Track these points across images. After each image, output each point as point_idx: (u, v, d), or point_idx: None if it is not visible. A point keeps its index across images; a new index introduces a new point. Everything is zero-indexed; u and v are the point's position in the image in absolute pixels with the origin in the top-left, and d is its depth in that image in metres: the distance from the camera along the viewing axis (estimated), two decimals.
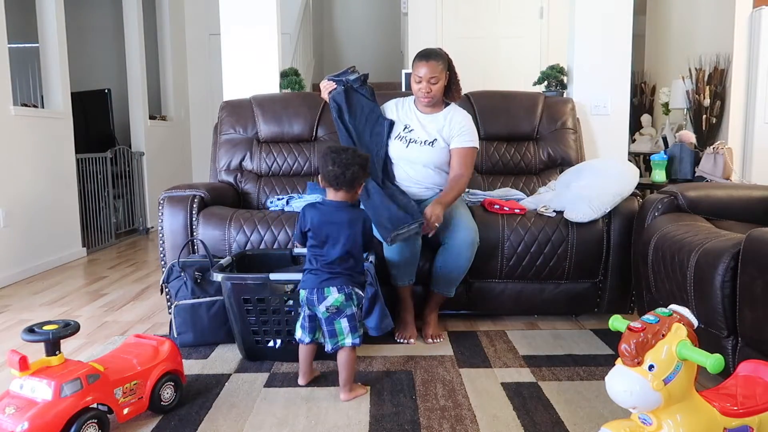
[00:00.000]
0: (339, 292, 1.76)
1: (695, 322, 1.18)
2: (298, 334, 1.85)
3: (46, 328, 1.52)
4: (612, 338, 2.26)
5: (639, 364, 1.12)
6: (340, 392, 1.81)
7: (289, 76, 3.48)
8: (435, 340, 2.29)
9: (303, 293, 1.80)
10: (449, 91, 2.46)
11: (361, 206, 2.18)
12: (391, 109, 2.55)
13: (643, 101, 5.25)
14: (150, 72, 5.59)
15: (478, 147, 2.49)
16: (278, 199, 2.80)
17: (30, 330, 1.52)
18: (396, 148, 2.46)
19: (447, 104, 2.49)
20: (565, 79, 3.50)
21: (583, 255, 2.44)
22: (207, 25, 6.13)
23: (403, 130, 2.47)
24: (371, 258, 2.08)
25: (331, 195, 1.84)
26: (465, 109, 2.57)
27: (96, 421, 1.49)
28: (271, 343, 2.09)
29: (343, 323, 1.78)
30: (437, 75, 2.35)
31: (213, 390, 1.87)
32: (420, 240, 2.25)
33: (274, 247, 2.45)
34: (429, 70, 2.34)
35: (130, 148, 5.27)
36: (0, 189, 3.44)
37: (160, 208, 2.53)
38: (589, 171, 2.59)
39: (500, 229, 2.43)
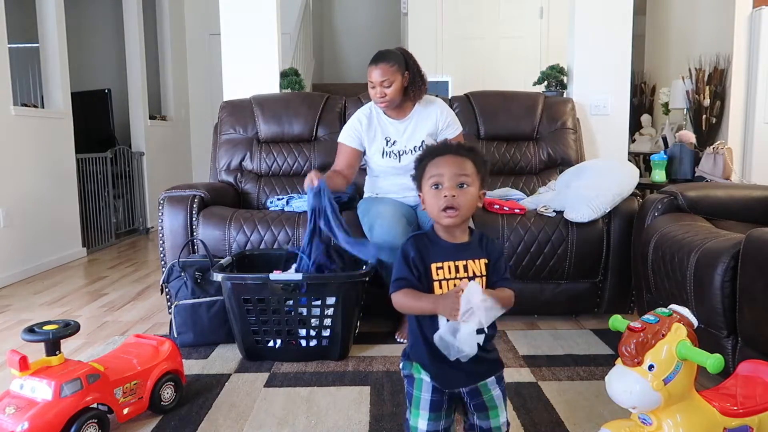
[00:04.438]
0: None
1: (695, 322, 1.17)
2: None
3: (46, 328, 1.52)
4: (612, 338, 2.26)
5: (639, 364, 1.12)
6: None
7: (289, 76, 3.48)
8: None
9: None
10: (408, 91, 2.38)
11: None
12: (359, 125, 2.46)
13: (643, 101, 5.25)
14: (150, 72, 5.58)
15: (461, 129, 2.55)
16: (278, 199, 2.80)
17: (30, 330, 1.52)
18: (388, 164, 2.45)
19: (413, 104, 2.45)
20: (565, 79, 3.50)
21: (583, 255, 2.44)
22: (207, 25, 6.13)
23: (387, 144, 2.44)
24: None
25: None
26: (465, 109, 2.57)
27: (96, 421, 1.49)
28: (271, 343, 2.09)
29: None
30: (389, 77, 2.30)
31: (213, 390, 1.87)
32: None
33: (274, 247, 2.45)
34: (380, 72, 2.30)
35: (130, 148, 5.27)
36: (0, 189, 3.44)
37: (160, 208, 2.53)
38: (589, 171, 2.59)
39: (500, 229, 2.43)
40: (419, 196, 1.25)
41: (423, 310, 1.16)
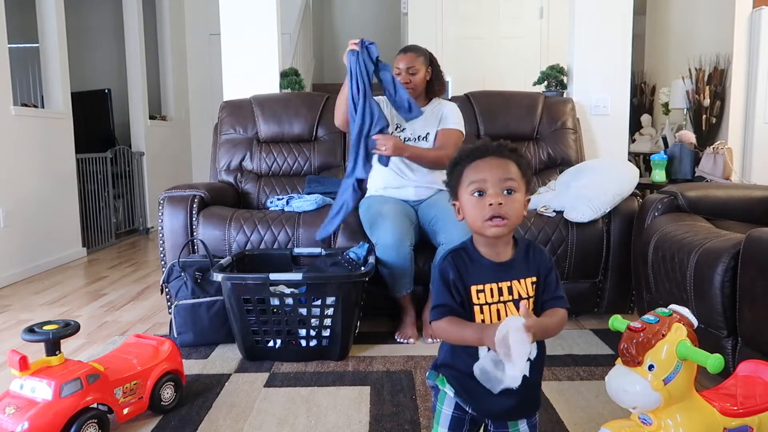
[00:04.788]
0: None
1: (695, 322, 1.17)
2: None
3: (46, 328, 1.52)
4: (612, 338, 2.26)
5: (639, 364, 1.12)
6: None
7: (289, 76, 3.48)
8: (435, 340, 2.29)
9: None
10: (431, 86, 2.54)
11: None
12: (383, 101, 2.54)
13: (643, 101, 5.25)
14: (150, 72, 5.58)
15: (463, 132, 2.54)
16: (278, 199, 2.80)
17: (30, 330, 1.52)
18: None
19: (431, 99, 2.58)
20: (565, 79, 3.50)
21: (583, 255, 2.44)
22: (207, 25, 6.13)
23: (396, 129, 2.52)
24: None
25: None
26: (465, 109, 2.60)
27: (96, 421, 1.49)
28: (271, 343, 2.09)
29: None
30: (416, 66, 2.46)
31: (213, 390, 1.87)
32: (411, 249, 2.25)
33: (274, 247, 2.45)
34: (407, 60, 2.46)
35: (130, 148, 5.27)
36: (0, 189, 3.44)
37: (160, 208, 2.53)
38: (589, 171, 2.59)
39: None
40: (453, 204, 1.11)
41: (468, 341, 1.03)
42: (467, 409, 1.09)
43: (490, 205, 1.02)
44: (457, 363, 1.07)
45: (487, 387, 0.99)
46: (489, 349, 0.98)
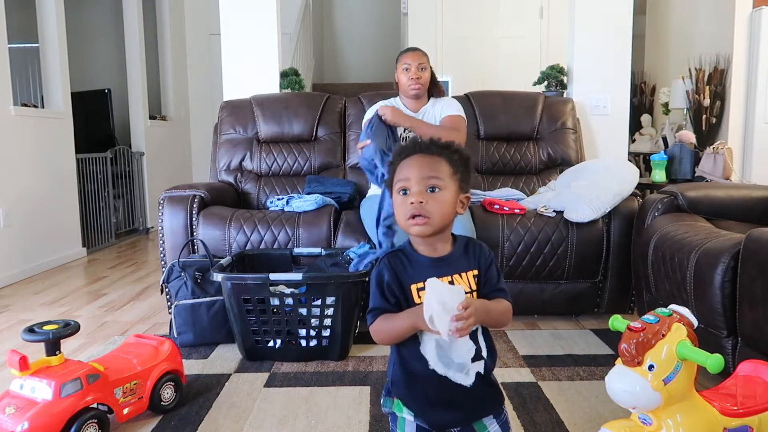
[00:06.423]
0: None
1: (695, 322, 1.17)
2: None
3: (46, 328, 1.52)
4: (612, 338, 2.26)
5: (639, 364, 1.12)
6: None
7: (289, 76, 3.48)
8: None
9: None
10: (432, 86, 2.59)
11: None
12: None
13: (643, 101, 5.25)
14: (150, 72, 5.58)
15: (465, 119, 2.57)
16: (278, 199, 2.80)
17: (30, 330, 1.52)
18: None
19: (430, 96, 2.62)
20: (565, 79, 3.50)
21: (583, 255, 2.44)
22: (207, 25, 6.13)
23: (404, 131, 2.51)
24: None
25: None
26: (465, 110, 2.60)
27: (96, 421, 1.49)
28: (271, 343, 2.09)
29: None
30: (424, 62, 2.51)
31: (213, 390, 1.87)
32: None
33: (274, 247, 2.45)
34: (417, 57, 2.51)
35: (130, 148, 5.27)
36: (0, 189, 3.44)
37: (160, 208, 2.53)
38: (589, 171, 2.59)
39: (500, 229, 2.43)
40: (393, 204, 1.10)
41: (402, 329, 0.99)
42: (431, 430, 1.05)
43: (411, 203, 1.01)
44: (408, 370, 1.03)
45: (447, 374, 1.01)
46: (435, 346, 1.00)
